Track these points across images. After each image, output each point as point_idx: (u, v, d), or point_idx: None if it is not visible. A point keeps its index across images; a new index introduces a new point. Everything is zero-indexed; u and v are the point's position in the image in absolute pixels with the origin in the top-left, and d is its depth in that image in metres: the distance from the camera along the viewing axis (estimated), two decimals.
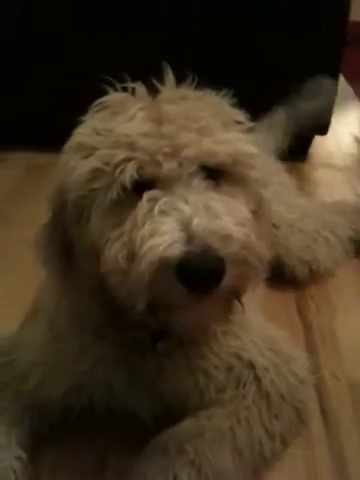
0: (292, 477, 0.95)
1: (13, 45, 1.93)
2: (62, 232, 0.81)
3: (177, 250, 0.66)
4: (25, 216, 1.64)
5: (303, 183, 1.85)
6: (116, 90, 0.82)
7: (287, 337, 1.05)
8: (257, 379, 0.94)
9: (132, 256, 0.70)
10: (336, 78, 1.92)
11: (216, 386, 0.92)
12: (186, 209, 0.69)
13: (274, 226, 1.36)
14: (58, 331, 0.93)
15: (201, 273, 0.66)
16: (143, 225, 0.70)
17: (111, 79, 0.81)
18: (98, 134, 0.77)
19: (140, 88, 0.81)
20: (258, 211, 0.83)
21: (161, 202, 0.71)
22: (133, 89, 0.81)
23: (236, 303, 0.76)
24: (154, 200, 0.71)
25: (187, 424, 0.90)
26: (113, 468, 0.94)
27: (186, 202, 0.70)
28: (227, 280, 0.68)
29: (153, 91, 0.81)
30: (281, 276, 1.40)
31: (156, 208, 0.70)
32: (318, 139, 2.16)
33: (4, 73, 1.98)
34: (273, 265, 1.34)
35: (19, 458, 0.89)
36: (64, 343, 0.92)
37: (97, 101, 0.81)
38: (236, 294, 0.75)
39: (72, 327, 0.90)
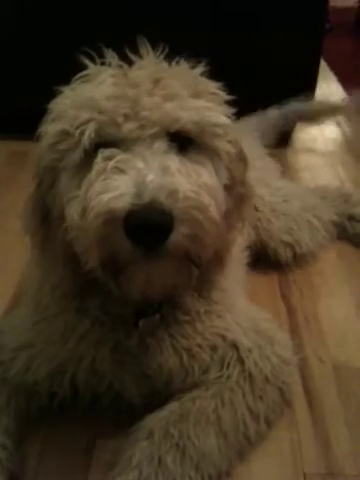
0: (277, 458, 0.95)
1: None
2: (42, 200, 0.81)
3: (124, 202, 0.66)
4: (6, 204, 1.62)
5: (286, 168, 1.85)
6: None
7: (271, 319, 1.05)
8: (241, 360, 0.94)
9: (85, 212, 0.70)
10: (317, 66, 1.93)
11: (200, 366, 0.92)
12: (142, 167, 0.69)
13: (257, 209, 1.36)
14: (43, 313, 0.92)
15: (146, 225, 0.66)
16: (96, 181, 0.71)
17: (93, 53, 0.81)
18: (69, 100, 0.77)
19: (114, 59, 0.81)
20: (234, 188, 0.82)
21: (116, 159, 0.71)
22: (110, 63, 0.81)
23: (195, 269, 0.75)
24: (110, 158, 0.72)
25: (172, 407, 0.90)
26: (100, 452, 0.94)
27: (143, 161, 0.70)
28: (175, 238, 0.68)
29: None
30: (265, 260, 1.40)
31: (110, 165, 0.71)
32: (301, 124, 2.16)
33: None
34: (257, 248, 1.35)
35: (4, 446, 0.88)
36: (49, 324, 0.91)
37: (78, 75, 0.81)
38: (192, 259, 0.74)
39: (56, 307, 0.90)
